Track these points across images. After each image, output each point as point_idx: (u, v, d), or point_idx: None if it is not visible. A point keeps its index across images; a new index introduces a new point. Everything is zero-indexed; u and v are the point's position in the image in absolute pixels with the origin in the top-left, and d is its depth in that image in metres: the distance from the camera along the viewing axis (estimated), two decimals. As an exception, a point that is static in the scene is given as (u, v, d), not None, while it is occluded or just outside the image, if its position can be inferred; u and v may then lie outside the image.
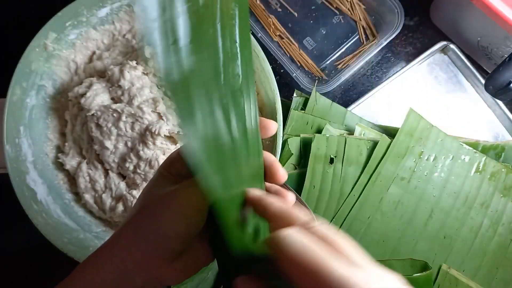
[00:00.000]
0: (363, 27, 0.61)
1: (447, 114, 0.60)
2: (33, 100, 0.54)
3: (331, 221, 0.52)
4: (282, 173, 0.29)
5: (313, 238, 0.21)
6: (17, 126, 0.52)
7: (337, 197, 0.52)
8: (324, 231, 0.22)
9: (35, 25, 0.51)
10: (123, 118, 0.50)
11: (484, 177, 0.52)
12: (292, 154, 0.55)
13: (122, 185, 0.52)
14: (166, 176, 0.29)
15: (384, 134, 0.53)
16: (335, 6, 0.62)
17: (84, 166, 0.54)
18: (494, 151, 0.54)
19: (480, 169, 0.52)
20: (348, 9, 0.61)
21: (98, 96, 0.51)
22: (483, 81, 0.57)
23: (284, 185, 0.27)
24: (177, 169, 0.29)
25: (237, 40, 0.25)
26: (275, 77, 0.50)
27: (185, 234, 0.27)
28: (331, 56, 0.61)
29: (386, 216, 0.51)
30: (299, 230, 0.21)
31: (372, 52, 0.56)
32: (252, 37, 0.50)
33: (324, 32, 0.62)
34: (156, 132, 0.48)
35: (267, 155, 0.30)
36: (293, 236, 0.21)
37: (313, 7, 0.62)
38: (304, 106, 0.58)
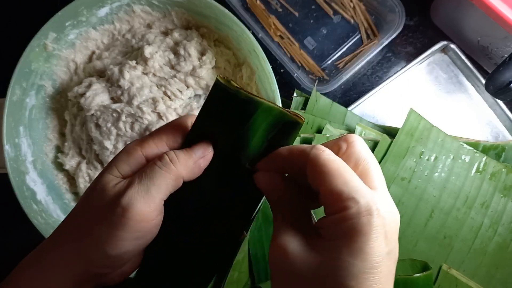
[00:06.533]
0: (364, 26, 0.61)
1: (447, 114, 0.60)
2: (33, 100, 0.54)
3: (331, 221, 0.51)
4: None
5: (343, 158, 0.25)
6: (17, 126, 0.52)
7: (337, 197, 0.52)
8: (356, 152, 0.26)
9: (35, 25, 0.51)
10: (123, 118, 0.50)
11: (485, 177, 0.52)
12: (292, 154, 0.55)
13: (122, 185, 0.52)
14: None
15: (384, 134, 0.53)
16: (335, 6, 0.62)
17: (83, 166, 0.54)
18: (494, 151, 0.54)
19: (480, 169, 0.52)
20: (349, 9, 0.61)
21: (97, 96, 0.51)
22: (483, 81, 0.57)
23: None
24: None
25: None
26: (275, 77, 0.50)
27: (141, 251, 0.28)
28: (331, 56, 0.61)
29: (386, 216, 0.51)
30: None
31: (373, 51, 0.56)
32: (252, 36, 0.50)
33: (324, 32, 0.62)
34: (156, 132, 0.48)
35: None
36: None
37: (313, 7, 0.62)
38: (304, 106, 0.58)
